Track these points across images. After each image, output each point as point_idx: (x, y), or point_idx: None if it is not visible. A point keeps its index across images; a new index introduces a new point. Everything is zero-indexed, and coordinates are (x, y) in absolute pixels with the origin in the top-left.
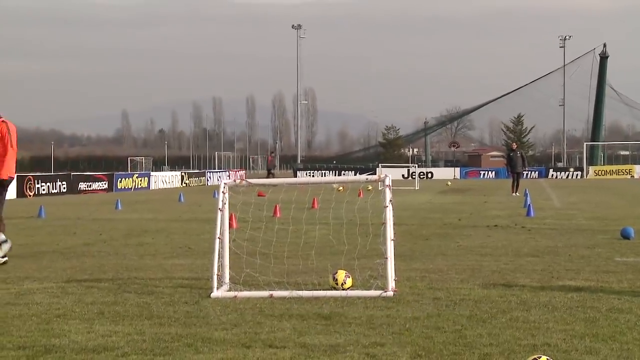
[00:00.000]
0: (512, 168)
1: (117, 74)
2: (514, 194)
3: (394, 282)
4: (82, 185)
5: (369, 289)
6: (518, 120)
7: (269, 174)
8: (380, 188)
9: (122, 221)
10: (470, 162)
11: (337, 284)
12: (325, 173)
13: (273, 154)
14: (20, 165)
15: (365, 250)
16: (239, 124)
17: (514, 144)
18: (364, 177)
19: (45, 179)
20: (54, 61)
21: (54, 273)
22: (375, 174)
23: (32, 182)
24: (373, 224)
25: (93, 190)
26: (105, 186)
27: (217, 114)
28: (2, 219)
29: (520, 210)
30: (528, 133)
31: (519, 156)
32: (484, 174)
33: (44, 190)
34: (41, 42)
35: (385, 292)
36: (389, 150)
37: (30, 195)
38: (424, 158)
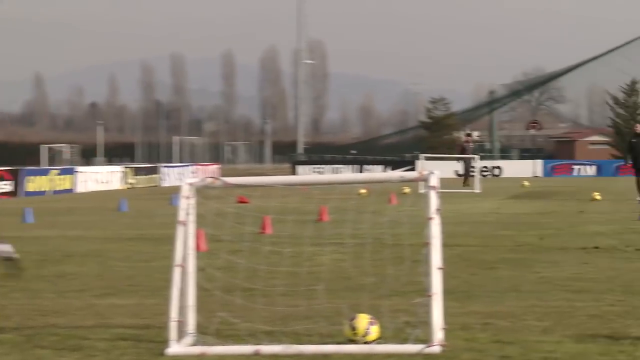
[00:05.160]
0: (635, 160)
1: (30, 20)
2: None
3: (442, 332)
4: None
5: (404, 342)
6: (632, 89)
7: (468, 171)
8: (422, 191)
9: (34, 241)
10: (558, 152)
11: (356, 334)
12: (339, 168)
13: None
14: None
15: (399, 285)
16: (210, 94)
17: (639, 126)
18: (398, 174)
19: None
20: None
21: None
22: (415, 170)
23: None
24: (411, 245)
25: None
26: (10, 188)
27: (178, 79)
28: None
29: (633, 225)
30: None
31: None
32: (579, 170)
33: None
34: None
35: (429, 346)
36: (436, 133)
37: None
38: (488, 145)
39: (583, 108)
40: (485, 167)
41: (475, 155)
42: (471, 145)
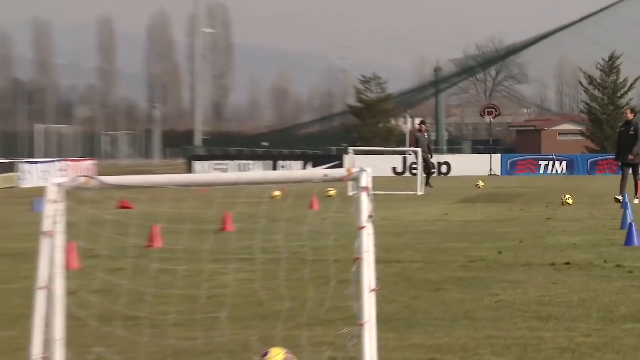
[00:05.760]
0: (622, 154)
1: None
2: (635, 199)
3: None
4: None
5: None
6: (610, 66)
7: (428, 169)
8: (351, 193)
9: None
10: (520, 144)
11: None
12: (247, 165)
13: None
14: None
15: (322, 311)
16: (83, 71)
17: (630, 112)
18: (321, 172)
19: None
20: None
21: None
22: (343, 167)
23: None
24: (338, 261)
25: None
26: None
27: (42, 52)
28: None
29: (613, 235)
30: (629, 89)
31: (633, 133)
32: (547, 166)
33: None
34: None
35: None
36: (369, 121)
37: None
38: (434, 136)
39: (551, 90)
40: (431, 162)
41: (418, 149)
42: (427, 135)
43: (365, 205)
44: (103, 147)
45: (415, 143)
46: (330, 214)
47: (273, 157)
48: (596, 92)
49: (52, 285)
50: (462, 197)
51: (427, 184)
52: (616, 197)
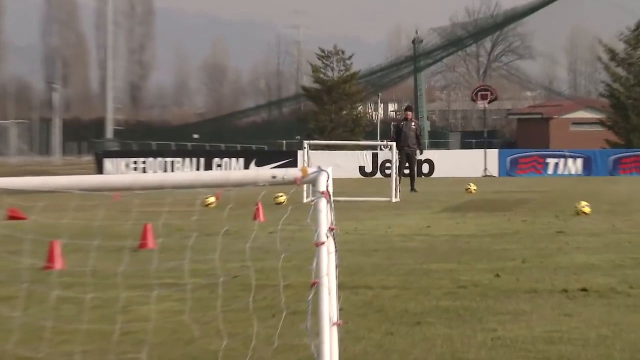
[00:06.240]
0: None
1: None
2: None
3: None
4: None
5: None
6: (638, 37)
7: (412, 169)
8: (307, 200)
9: None
10: (522, 137)
11: None
12: (173, 163)
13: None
14: None
15: (270, 350)
16: None
17: None
18: (268, 172)
19: None
20: None
21: None
22: (296, 166)
23: None
24: (289, 286)
25: None
26: None
27: None
28: None
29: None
30: None
31: None
32: (557, 165)
33: None
34: None
35: None
36: (328, 108)
37: None
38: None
39: (562, 67)
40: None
41: (392, 142)
42: (413, 125)
43: (325, 215)
44: None
45: (397, 134)
46: (280, 226)
47: (206, 154)
48: (619, 70)
49: None
50: (449, 205)
51: (412, 188)
52: None
